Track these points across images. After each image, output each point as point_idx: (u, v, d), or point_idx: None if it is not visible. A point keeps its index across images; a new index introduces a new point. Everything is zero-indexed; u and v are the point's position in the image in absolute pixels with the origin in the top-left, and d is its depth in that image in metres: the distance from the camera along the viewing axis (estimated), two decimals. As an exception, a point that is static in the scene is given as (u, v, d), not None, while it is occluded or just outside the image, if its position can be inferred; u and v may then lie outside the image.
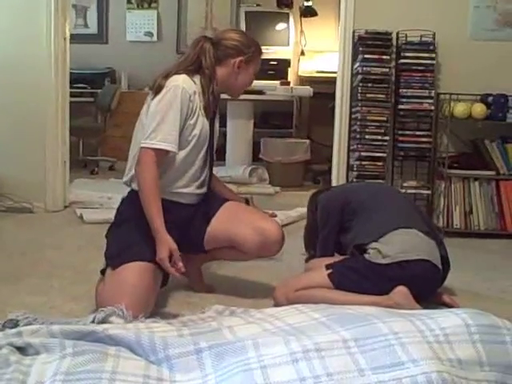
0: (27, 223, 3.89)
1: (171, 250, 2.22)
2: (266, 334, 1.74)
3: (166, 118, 2.32)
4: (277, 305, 2.37)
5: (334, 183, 4.29)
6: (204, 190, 2.56)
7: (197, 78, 2.44)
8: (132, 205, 2.40)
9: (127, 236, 2.35)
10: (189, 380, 1.58)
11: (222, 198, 2.63)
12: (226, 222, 2.50)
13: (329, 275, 2.39)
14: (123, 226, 2.40)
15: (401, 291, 2.29)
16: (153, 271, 2.29)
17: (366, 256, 2.38)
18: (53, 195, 4.21)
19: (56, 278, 2.81)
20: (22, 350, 1.73)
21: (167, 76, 2.40)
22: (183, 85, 2.36)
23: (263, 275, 2.89)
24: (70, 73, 4.40)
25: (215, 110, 2.55)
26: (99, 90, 6.41)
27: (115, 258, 2.33)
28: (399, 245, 2.39)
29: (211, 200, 2.57)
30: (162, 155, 2.31)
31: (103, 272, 2.40)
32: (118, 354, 1.67)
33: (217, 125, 2.63)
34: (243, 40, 2.53)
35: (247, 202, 2.71)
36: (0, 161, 4.14)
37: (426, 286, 2.40)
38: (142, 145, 2.31)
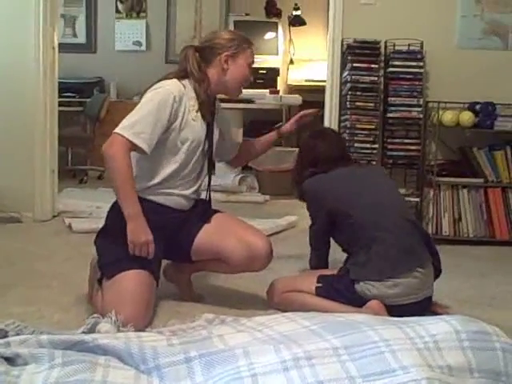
0: (15, 233, 3.87)
1: (148, 241, 2.26)
2: (256, 343, 1.74)
3: (144, 114, 2.32)
4: (269, 301, 2.58)
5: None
6: (197, 195, 2.56)
7: (186, 82, 2.45)
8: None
9: (120, 244, 2.31)
10: None
11: (212, 209, 2.63)
12: (213, 234, 2.49)
13: (316, 288, 2.43)
14: (114, 233, 2.36)
15: (374, 307, 2.31)
16: (150, 278, 2.30)
17: (357, 287, 2.36)
18: (41, 205, 4.19)
19: (44, 288, 2.79)
20: (10, 360, 1.71)
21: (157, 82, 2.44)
22: (168, 87, 2.38)
23: (253, 284, 2.88)
24: (59, 82, 4.40)
25: (214, 113, 2.56)
26: (88, 100, 6.40)
27: (111, 267, 2.32)
28: (394, 291, 2.33)
29: (203, 210, 2.56)
30: (131, 148, 2.29)
31: (100, 281, 2.39)
32: (108, 364, 1.66)
33: (216, 132, 2.63)
34: (226, 36, 2.53)
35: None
36: (-12, 170, 4.12)
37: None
38: (117, 131, 2.28)
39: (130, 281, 2.26)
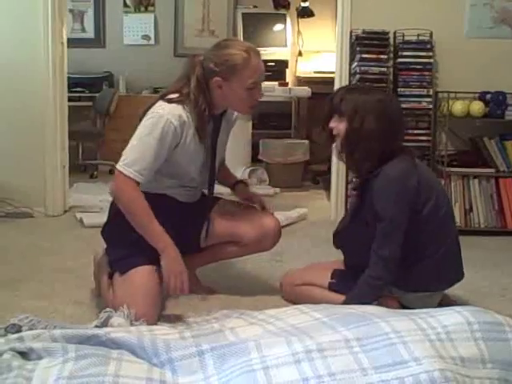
0: (27, 228, 3.89)
1: (181, 271, 2.23)
2: (268, 335, 1.74)
3: (145, 150, 2.24)
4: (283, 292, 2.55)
5: (333, 183, 4.29)
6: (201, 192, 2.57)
7: (186, 108, 2.32)
8: None
9: (128, 238, 2.31)
10: (191, 382, 1.58)
11: (217, 197, 2.62)
12: (223, 216, 2.51)
13: (329, 283, 2.41)
14: (120, 227, 2.34)
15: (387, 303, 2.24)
16: (158, 273, 2.30)
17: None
18: (52, 200, 4.21)
19: (57, 283, 2.81)
20: (24, 354, 1.73)
21: (160, 97, 2.35)
22: (168, 116, 2.26)
23: (264, 276, 2.89)
24: (68, 77, 4.41)
25: (218, 128, 2.46)
26: (97, 94, 6.41)
27: (123, 263, 2.33)
28: (417, 299, 2.27)
29: (209, 199, 2.57)
30: (136, 183, 2.25)
31: (110, 276, 2.40)
32: (121, 358, 1.67)
33: (224, 138, 2.55)
34: (216, 59, 2.31)
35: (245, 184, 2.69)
36: (-1, 166, 4.14)
37: None
38: (120, 168, 2.24)
39: (143, 277, 2.27)
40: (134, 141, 2.27)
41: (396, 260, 2.18)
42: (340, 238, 2.47)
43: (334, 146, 2.39)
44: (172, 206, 2.44)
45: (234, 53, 2.29)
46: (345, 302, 2.21)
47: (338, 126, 2.28)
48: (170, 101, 2.31)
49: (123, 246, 2.35)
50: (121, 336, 1.78)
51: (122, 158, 2.26)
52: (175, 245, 2.26)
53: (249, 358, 1.55)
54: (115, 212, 2.38)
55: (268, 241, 2.52)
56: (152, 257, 2.28)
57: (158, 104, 2.31)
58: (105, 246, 2.53)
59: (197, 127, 2.32)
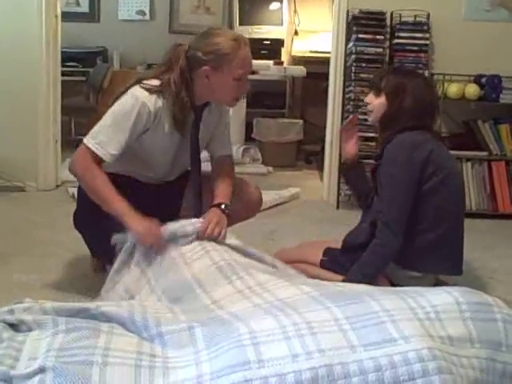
0: (19, 202, 3.88)
1: (149, 226, 2.15)
2: (256, 311, 1.75)
3: (114, 125, 2.19)
4: None
5: (326, 164, 4.29)
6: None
7: (164, 99, 2.25)
8: None
9: (104, 224, 2.22)
10: (181, 356, 1.59)
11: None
12: (205, 188, 2.44)
13: (321, 261, 2.42)
14: (93, 212, 2.25)
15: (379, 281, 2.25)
16: None
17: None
18: (45, 174, 4.19)
19: (48, 257, 2.81)
20: (14, 326, 1.73)
21: (139, 81, 2.27)
22: (145, 99, 2.21)
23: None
24: (62, 51, 4.38)
25: (198, 120, 2.37)
26: (91, 69, 6.35)
27: (107, 254, 2.25)
28: (410, 279, 2.26)
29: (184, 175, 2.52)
30: (97, 158, 2.19)
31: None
32: (111, 331, 1.67)
33: (210, 130, 2.45)
34: (204, 48, 2.23)
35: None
36: (-9, 139, 4.12)
37: None
38: (85, 141, 2.20)
39: None
40: (107, 120, 2.21)
41: (401, 225, 2.20)
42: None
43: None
44: (145, 187, 2.40)
45: (223, 41, 2.20)
46: (347, 276, 2.22)
47: (374, 101, 2.37)
48: (150, 90, 2.23)
49: (101, 234, 2.27)
50: (112, 310, 1.78)
51: (92, 135, 2.20)
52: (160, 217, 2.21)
53: (238, 334, 1.56)
54: (84, 197, 2.30)
55: (253, 208, 2.57)
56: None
57: (136, 87, 2.24)
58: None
59: (175, 118, 2.25)
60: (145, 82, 2.25)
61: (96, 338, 1.62)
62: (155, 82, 2.26)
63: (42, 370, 1.47)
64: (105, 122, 2.21)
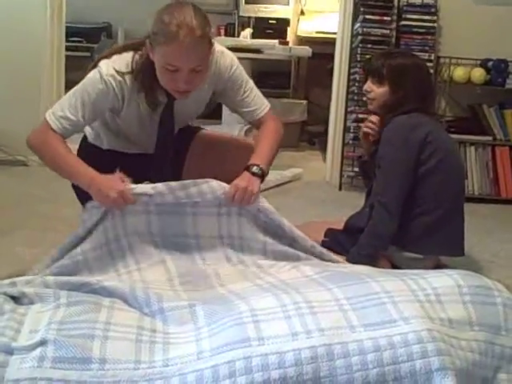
0: (21, 176, 3.88)
1: (115, 186, 1.98)
2: (257, 290, 1.75)
3: (74, 100, 2.11)
4: None
5: (329, 145, 4.28)
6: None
7: (130, 72, 2.11)
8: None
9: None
10: (182, 332, 1.59)
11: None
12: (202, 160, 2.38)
13: (322, 241, 2.40)
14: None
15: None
16: None
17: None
18: (47, 149, 4.18)
19: (50, 231, 2.81)
20: (16, 299, 1.74)
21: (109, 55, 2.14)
22: (110, 78, 2.08)
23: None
24: (66, 26, 4.35)
25: (171, 102, 2.19)
26: (95, 45, 6.33)
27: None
28: (410, 260, 2.26)
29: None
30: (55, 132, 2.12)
31: None
32: (112, 306, 1.68)
33: (193, 106, 2.30)
34: (154, 22, 2.00)
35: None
36: (-6, 113, 4.11)
37: None
38: (46, 114, 2.13)
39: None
40: (70, 94, 2.14)
41: (397, 206, 2.20)
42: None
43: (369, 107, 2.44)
44: (138, 159, 2.33)
45: (167, 24, 1.94)
46: (347, 258, 2.21)
47: (376, 90, 2.35)
48: (118, 68, 2.09)
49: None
50: (113, 284, 1.79)
51: (53, 109, 2.14)
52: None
53: (239, 311, 1.57)
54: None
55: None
56: None
57: (105, 63, 2.11)
58: None
59: (146, 97, 2.13)
60: (115, 56, 2.12)
61: (97, 312, 1.62)
62: (126, 57, 2.12)
63: (43, 343, 1.47)
64: (66, 97, 2.14)
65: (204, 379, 1.39)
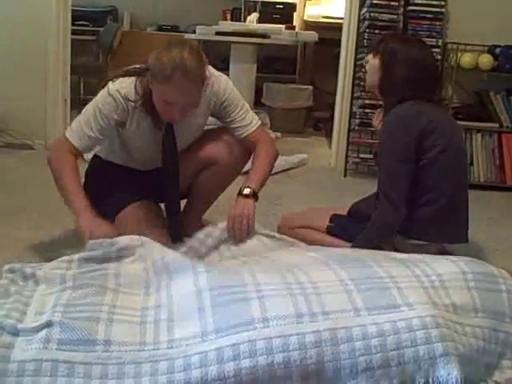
0: (28, 159, 3.88)
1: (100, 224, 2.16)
2: (263, 267, 1.77)
3: (88, 116, 2.24)
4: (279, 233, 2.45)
5: (335, 131, 4.27)
6: None
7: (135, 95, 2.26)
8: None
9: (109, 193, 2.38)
10: (186, 292, 1.63)
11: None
12: (193, 151, 2.46)
13: (327, 227, 2.42)
14: (99, 187, 2.42)
15: None
16: (152, 204, 2.41)
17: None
18: (53, 132, 4.18)
19: (56, 214, 2.82)
20: (22, 281, 1.77)
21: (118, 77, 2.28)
22: (121, 90, 2.23)
23: (262, 218, 2.89)
24: (72, 10, 4.33)
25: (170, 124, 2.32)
26: (101, 29, 6.31)
27: (109, 213, 2.33)
28: (414, 247, 2.22)
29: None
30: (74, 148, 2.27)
31: None
32: (118, 289, 1.70)
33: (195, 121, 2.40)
34: (152, 57, 2.15)
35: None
36: (1, 97, 4.10)
37: None
38: (66, 132, 2.29)
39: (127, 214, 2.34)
40: (85, 112, 2.27)
41: (400, 195, 2.18)
42: None
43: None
44: (135, 174, 2.47)
45: (163, 63, 2.10)
46: (353, 245, 2.21)
47: (370, 61, 2.35)
48: (123, 90, 2.24)
49: (105, 202, 2.36)
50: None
51: (70, 125, 2.30)
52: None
53: (243, 284, 1.58)
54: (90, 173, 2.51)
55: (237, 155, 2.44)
56: (137, 196, 2.38)
57: (114, 86, 2.24)
58: None
59: (151, 118, 2.28)
60: (120, 79, 2.26)
61: (103, 295, 1.63)
62: (130, 82, 2.25)
63: (48, 325, 1.49)
64: (81, 114, 2.28)
65: (208, 361, 1.40)
